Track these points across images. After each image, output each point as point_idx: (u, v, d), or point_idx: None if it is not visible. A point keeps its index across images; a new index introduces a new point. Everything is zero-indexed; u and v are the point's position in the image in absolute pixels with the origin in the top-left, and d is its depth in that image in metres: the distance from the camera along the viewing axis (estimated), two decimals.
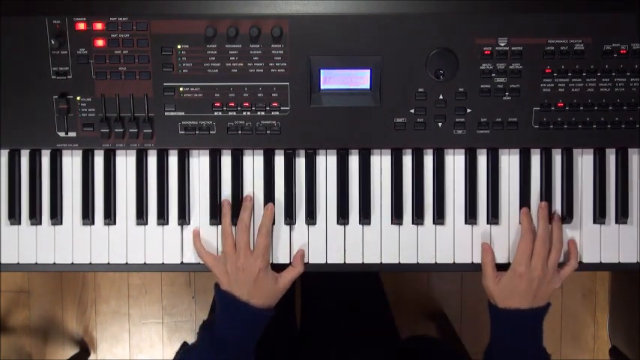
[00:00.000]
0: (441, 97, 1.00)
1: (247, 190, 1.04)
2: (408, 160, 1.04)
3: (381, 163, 1.04)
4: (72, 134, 1.01)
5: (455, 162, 1.04)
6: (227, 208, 1.02)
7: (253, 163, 1.04)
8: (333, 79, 1.00)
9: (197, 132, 1.01)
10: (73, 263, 1.04)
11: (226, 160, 1.04)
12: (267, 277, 0.98)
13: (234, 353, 0.96)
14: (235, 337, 0.96)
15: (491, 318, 1.01)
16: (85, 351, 1.93)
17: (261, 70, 0.99)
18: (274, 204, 1.03)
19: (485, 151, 1.04)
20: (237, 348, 0.96)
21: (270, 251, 1.02)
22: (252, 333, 0.98)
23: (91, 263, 1.04)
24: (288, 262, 1.04)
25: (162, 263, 1.05)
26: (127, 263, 1.04)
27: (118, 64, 0.98)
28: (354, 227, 1.04)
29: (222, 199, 1.03)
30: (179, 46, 0.98)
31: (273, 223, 1.03)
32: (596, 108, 1.00)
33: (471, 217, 1.03)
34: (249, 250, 0.98)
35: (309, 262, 1.04)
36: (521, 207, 1.04)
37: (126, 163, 1.04)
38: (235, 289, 0.98)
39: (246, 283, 0.97)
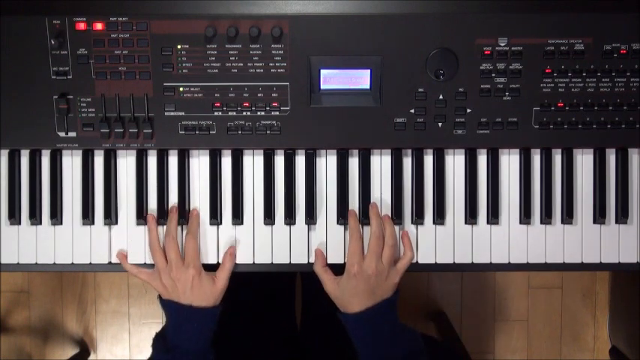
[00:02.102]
0: (441, 97, 1.00)
1: (247, 190, 1.04)
2: (408, 160, 1.04)
3: (381, 163, 1.04)
4: (72, 134, 1.01)
5: (455, 162, 1.04)
6: (152, 224, 1.02)
7: (253, 163, 1.04)
8: (333, 79, 1.00)
9: (197, 132, 1.01)
10: (73, 263, 1.04)
11: (226, 160, 1.04)
12: (203, 282, 0.99)
13: (189, 357, 0.97)
14: (187, 342, 0.97)
15: (346, 326, 0.99)
16: (85, 351, 1.93)
17: (261, 70, 0.99)
18: (274, 204, 1.04)
19: (485, 151, 1.04)
20: (190, 351, 0.97)
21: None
22: (203, 333, 0.99)
23: (91, 263, 1.04)
24: (287, 261, 1.04)
25: None
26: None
27: (118, 64, 0.98)
28: None
29: (148, 213, 1.03)
30: (179, 46, 0.98)
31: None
32: (596, 108, 1.00)
33: (471, 217, 1.03)
34: (180, 260, 0.98)
35: (309, 262, 1.03)
36: (521, 207, 1.04)
37: (126, 163, 1.04)
38: (175, 297, 0.99)
39: (184, 291, 0.98)
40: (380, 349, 0.97)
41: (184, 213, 1.03)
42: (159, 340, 1.00)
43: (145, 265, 1.04)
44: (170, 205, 1.03)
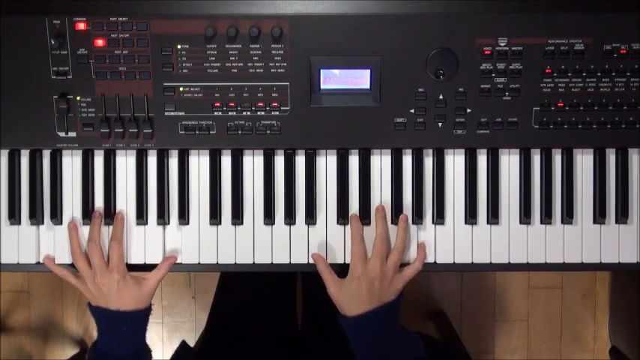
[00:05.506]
0: (441, 97, 1.00)
1: (247, 189, 1.04)
2: (408, 160, 1.04)
3: (381, 163, 1.04)
4: (72, 134, 1.01)
5: (455, 162, 1.04)
6: (73, 231, 1.01)
7: (253, 163, 1.04)
8: (333, 79, 1.00)
9: (197, 132, 1.01)
10: (73, 263, 1.04)
11: (226, 160, 1.04)
12: (128, 286, 0.98)
13: None
14: (118, 347, 0.97)
15: (346, 330, 0.98)
16: (85, 351, 1.93)
17: (261, 70, 0.99)
18: (274, 204, 1.04)
19: (485, 151, 1.04)
20: (124, 357, 0.97)
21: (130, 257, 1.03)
22: (134, 336, 0.98)
23: None
24: (287, 261, 1.04)
25: None
26: (126, 263, 1.04)
27: (118, 64, 0.98)
28: None
29: (68, 221, 1.03)
30: (179, 46, 0.98)
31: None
32: (596, 108, 1.00)
33: (471, 217, 1.03)
34: (104, 265, 0.97)
35: (309, 262, 1.03)
36: (521, 207, 1.04)
37: (126, 163, 1.04)
38: (102, 303, 0.98)
39: (109, 295, 0.97)
40: (379, 354, 0.96)
41: (185, 214, 1.03)
42: (91, 352, 0.99)
43: (144, 266, 1.04)
44: (95, 210, 1.03)
